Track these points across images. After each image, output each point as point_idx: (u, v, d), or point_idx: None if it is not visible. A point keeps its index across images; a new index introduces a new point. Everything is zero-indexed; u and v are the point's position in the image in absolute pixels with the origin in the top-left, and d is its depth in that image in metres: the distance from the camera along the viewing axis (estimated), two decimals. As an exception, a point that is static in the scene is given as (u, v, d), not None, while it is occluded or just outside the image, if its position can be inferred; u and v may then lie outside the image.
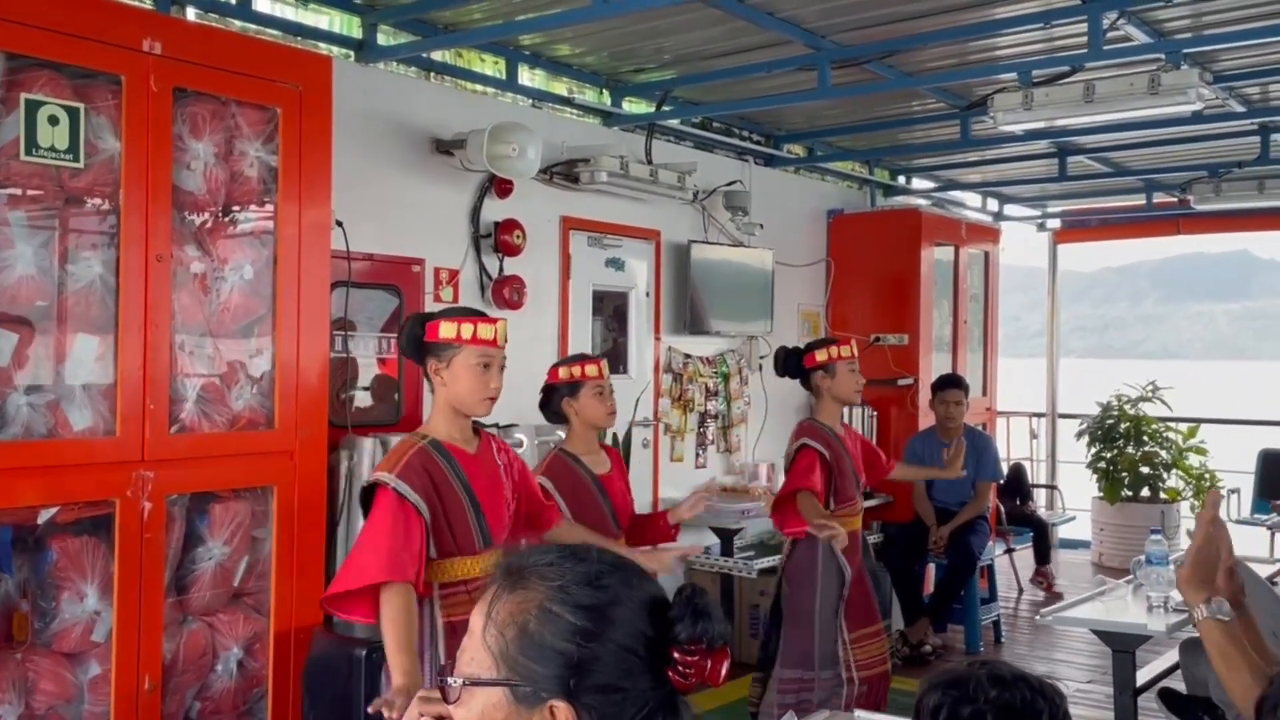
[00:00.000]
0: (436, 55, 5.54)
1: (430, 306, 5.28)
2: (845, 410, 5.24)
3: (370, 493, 2.97)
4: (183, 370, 3.71)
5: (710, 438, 7.14)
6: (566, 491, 3.79)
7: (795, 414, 7.89)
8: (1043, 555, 8.35)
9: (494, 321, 3.03)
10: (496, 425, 5.03)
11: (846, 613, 4.53)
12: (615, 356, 6.61)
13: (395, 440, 4.59)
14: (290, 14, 4.95)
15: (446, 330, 2.98)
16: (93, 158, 3.44)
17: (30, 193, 3.43)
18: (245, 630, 3.85)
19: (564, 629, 1.27)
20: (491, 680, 1.28)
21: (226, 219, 3.95)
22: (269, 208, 3.96)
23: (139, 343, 3.50)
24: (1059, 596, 7.71)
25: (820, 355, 4.57)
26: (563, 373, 3.92)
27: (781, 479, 6.97)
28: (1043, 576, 8.30)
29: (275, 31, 4.85)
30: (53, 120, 3.34)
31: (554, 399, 3.92)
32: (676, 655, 1.30)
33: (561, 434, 5.50)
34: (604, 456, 4.01)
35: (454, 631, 2.94)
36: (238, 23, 4.70)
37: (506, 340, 3.07)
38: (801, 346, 4.77)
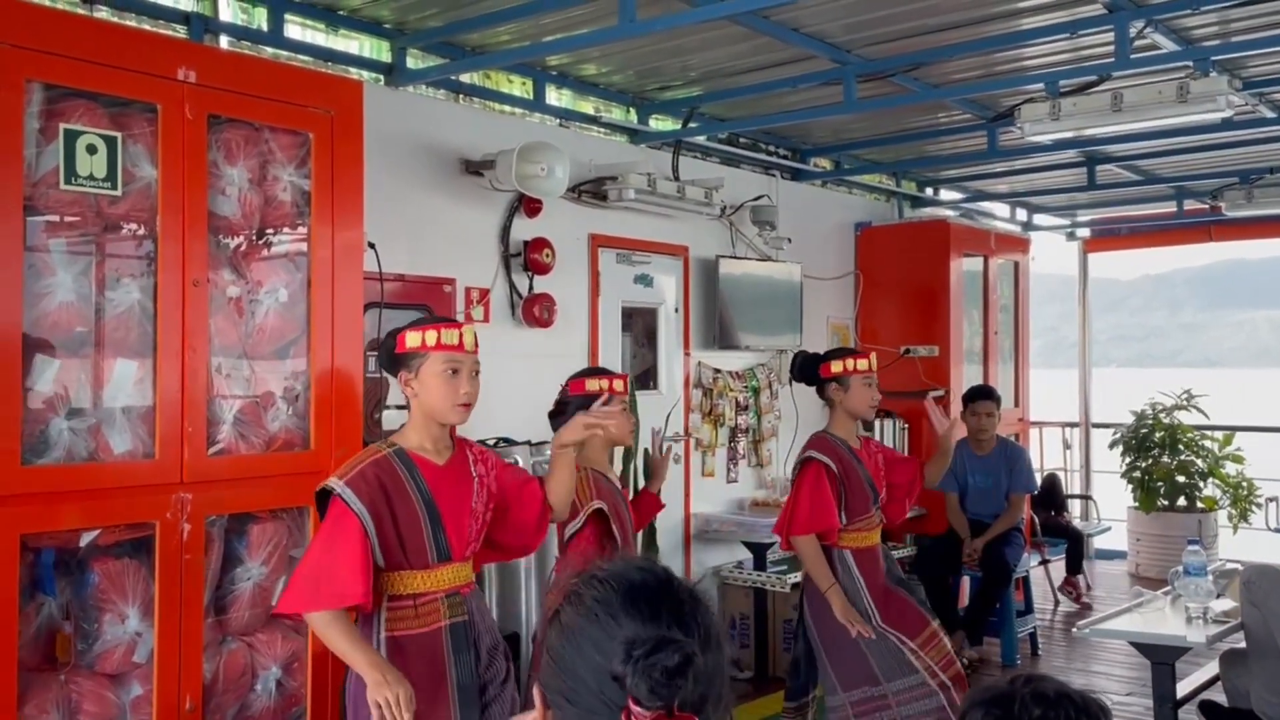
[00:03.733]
0: (465, 77, 5.59)
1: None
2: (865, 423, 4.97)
3: (324, 498, 2.95)
4: (220, 392, 3.75)
5: (741, 452, 7.14)
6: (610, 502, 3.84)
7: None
8: (1074, 565, 8.28)
9: (459, 325, 2.98)
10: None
11: (896, 625, 4.33)
12: (645, 372, 6.63)
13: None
14: (321, 40, 5.02)
15: (412, 339, 2.96)
16: (130, 185, 3.49)
17: (69, 220, 3.49)
18: (284, 650, 3.88)
19: (554, 637, 1.36)
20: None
21: (261, 243, 4.00)
22: (302, 231, 4.00)
23: (177, 366, 3.55)
24: (1088, 607, 7.65)
25: (835, 366, 4.39)
26: (590, 385, 3.87)
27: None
28: (1071, 586, 8.22)
29: (306, 57, 4.92)
30: (91, 149, 3.40)
31: (569, 410, 3.87)
32: (631, 704, 1.27)
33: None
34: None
35: (397, 646, 2.90)
36: (270, 49, 4.77)
37: (477, 345, 3.01)
38: (820, 354, 4.59)
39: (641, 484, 4.82)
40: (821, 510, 4.33)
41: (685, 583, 1.41)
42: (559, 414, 3.89)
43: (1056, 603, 8.15)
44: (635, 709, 1.26)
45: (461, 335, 2.96)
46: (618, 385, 3.89)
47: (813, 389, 4.58)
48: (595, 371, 4.06)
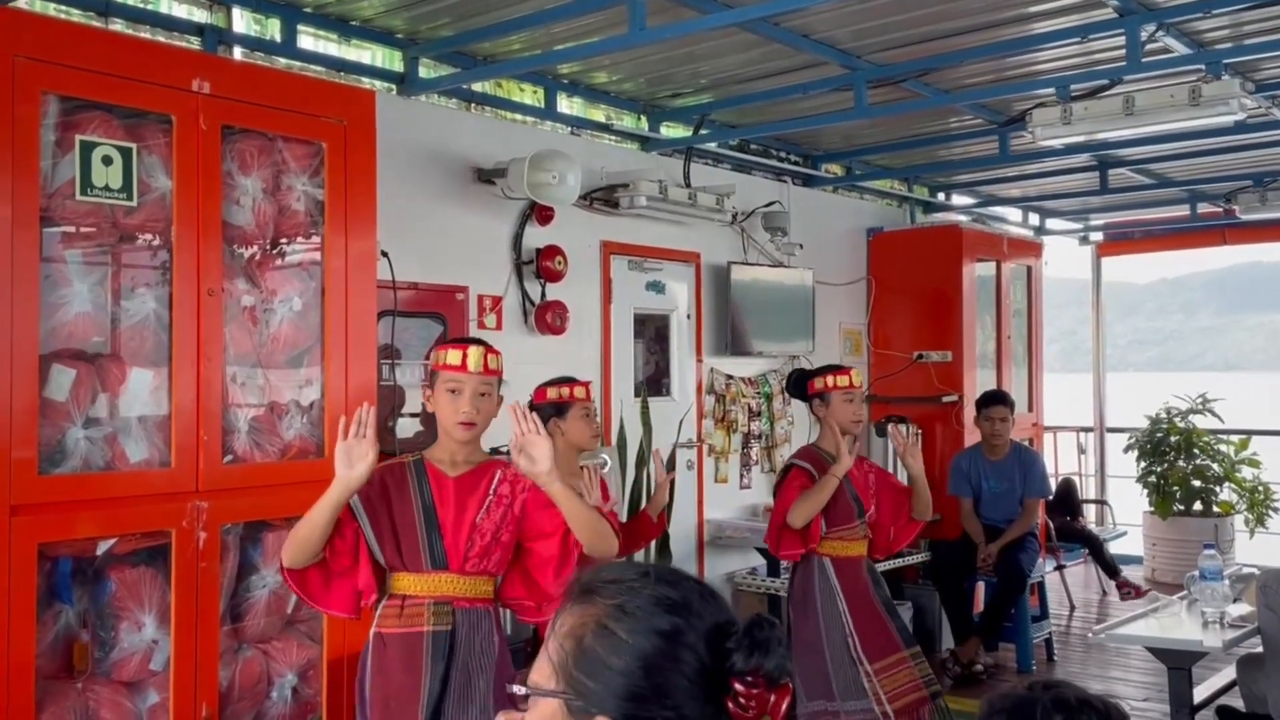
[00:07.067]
0: (477, 86, 5.62)
1: (474, 333, 5.35)
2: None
3: None
4: (234, 401, 3.77)
5: (754, 458, 7.14)
6: None
7: (839, 433, 7.88)
8: (1110, 568, 8.28)
9: (464, 347, 3.02)
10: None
11: (862, 643, 4.30)
12: (657, 379, 6.64)
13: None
14: (334, 50, 5.05)
15: (435, 357, 3.08)
16: (145, 196, 3.52)
17: (85, 231, 3.52)
18: (299, 657, 3.90)
19: (619, 647, 1.28)
20: (548, 691, 1.31)
21: (275, 252, 4.02)
22: (316, 240, 4.02)
23: (192, 375, 3.57)
24: (1146, 592, 7.66)
25: (817, 383, 4.48)
26: (551, 393, 4.01)
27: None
28: (1128, 586, 8.20)
29: (319, 68, 4.95)
30: (106, 160, 3.42)
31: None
32: (737, 686, 1.29)
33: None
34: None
35: (381, 642, 2.99)
36: (283, 60, 4.80)
37: (487, 368, 3.00)
38: (809, 371, 4.67)
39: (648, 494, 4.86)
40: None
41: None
42: None
43: (1072, 608, 8.12)
44: (741, 688, 1.28)
45: (465, 356, 2.99)
46: (578, 391, 4.03)
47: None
48: (557, 380, 4.15)
